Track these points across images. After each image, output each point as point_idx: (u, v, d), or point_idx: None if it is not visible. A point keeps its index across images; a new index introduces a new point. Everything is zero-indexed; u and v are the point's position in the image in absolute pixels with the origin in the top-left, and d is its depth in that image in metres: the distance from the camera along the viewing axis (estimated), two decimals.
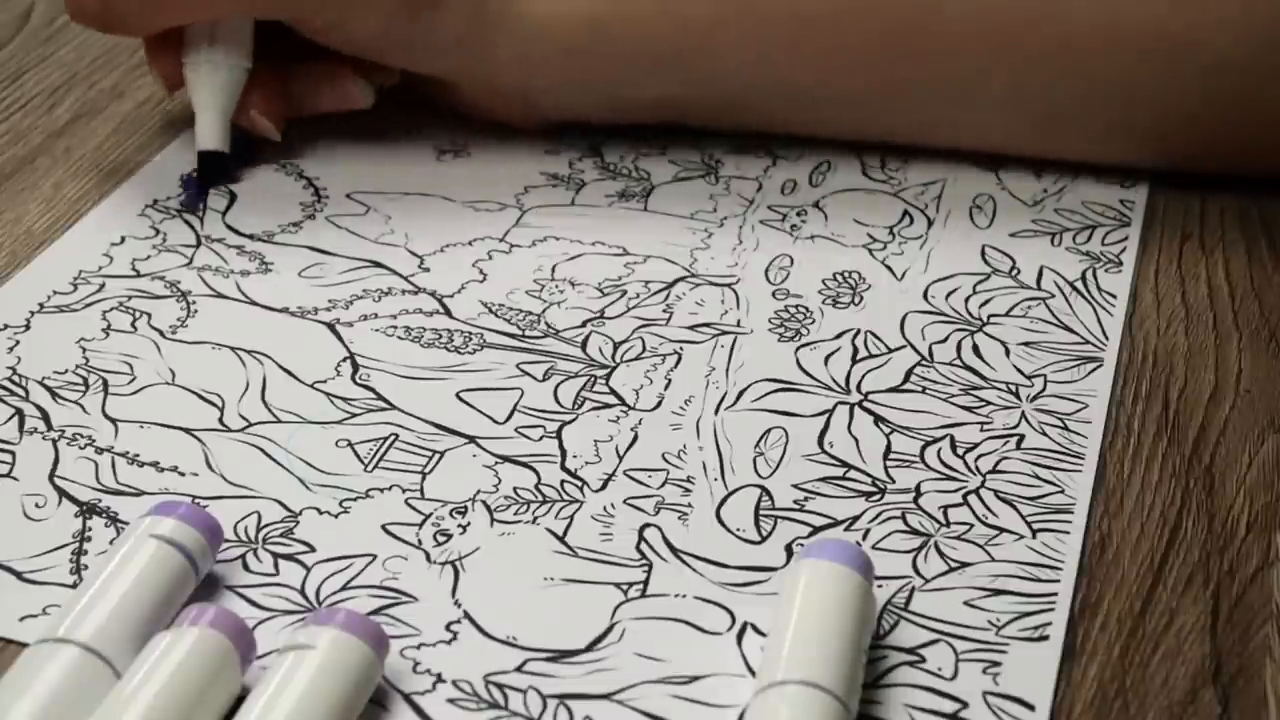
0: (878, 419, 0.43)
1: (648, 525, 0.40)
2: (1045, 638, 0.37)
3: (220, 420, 0.43)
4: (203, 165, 0.53)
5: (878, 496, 0.41)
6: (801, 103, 0.54)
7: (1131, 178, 0.54)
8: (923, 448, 0.42)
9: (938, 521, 0.40)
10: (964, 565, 0.39)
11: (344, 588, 0.38)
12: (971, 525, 0.40)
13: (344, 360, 0.46)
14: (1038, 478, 0.41)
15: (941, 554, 0.39)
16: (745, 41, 0.52)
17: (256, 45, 0.53)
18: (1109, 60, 0.51)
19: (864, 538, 0.39)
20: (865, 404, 0.44)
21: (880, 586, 0.38)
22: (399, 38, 0.52)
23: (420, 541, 0.39)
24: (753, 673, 0.36)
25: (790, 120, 0.55)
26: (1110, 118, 0.52)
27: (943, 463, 0.42)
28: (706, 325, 0.47)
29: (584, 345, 0.46)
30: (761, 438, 0.43)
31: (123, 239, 0.51)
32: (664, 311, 0.48)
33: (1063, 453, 0.42)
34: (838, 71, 0.52)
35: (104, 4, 0.50)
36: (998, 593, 0.38)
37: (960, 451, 0.42)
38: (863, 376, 0.45)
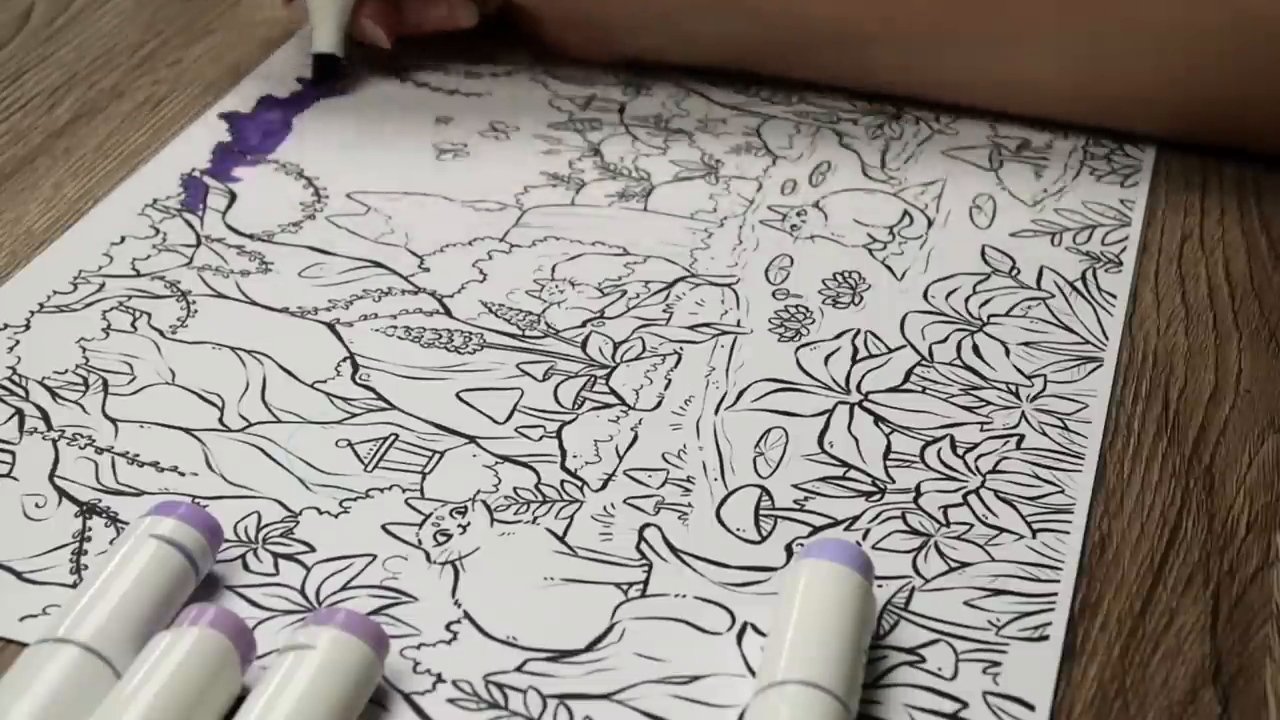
0: (878, 419, 0.43)
1: (648, 525, 0.40)
2: (1045, 638, 0.37)
3: (220, 420, 0.43)
4: (318, 67, 0.58)
5: (878, 496, 0.41)
6: (859, 47, 0.56)
7: (1133, 174, 0.54)
8: (923, 448, 0.42)
9: (938, 521, 0.40)
10: (964, 565, 0.39)
11: (344, 588, 0.38)
12: (971, 525, 0.40)
13: (344, 360, 0.46)
14: (1038, 478, 0.41)
15: (941, 554, 0.39)
16: None
17: None
18: (1151, 6, 0.52)
19: (864, 538, 0.39)
20: (865, 404, 0.44)
21: (880, 586, 0.38)
22: None
23: (420, 541, 0.39)
24: (753, 673, 0.36)
25: (848, 67, 0.57)
26: (1148, 69, 0.53)
27: (943, 463, 0.42)
28: (706, 325, 0.47)
29: (584, 345, 0.46)
30: (761, 438, 0.43)
31: (123, 239, 0.51)
32: (664, 311, 0.48)
33: (1063, 453, 0.42)
34: (901, 12, 0.54)
35: None
36: (998, 593, 0.38)
37: (960, 451, 0.42)
38: (863, 376, 0.45)
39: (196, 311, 0.48)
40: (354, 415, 0.43)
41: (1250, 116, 0.54)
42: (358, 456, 0.42)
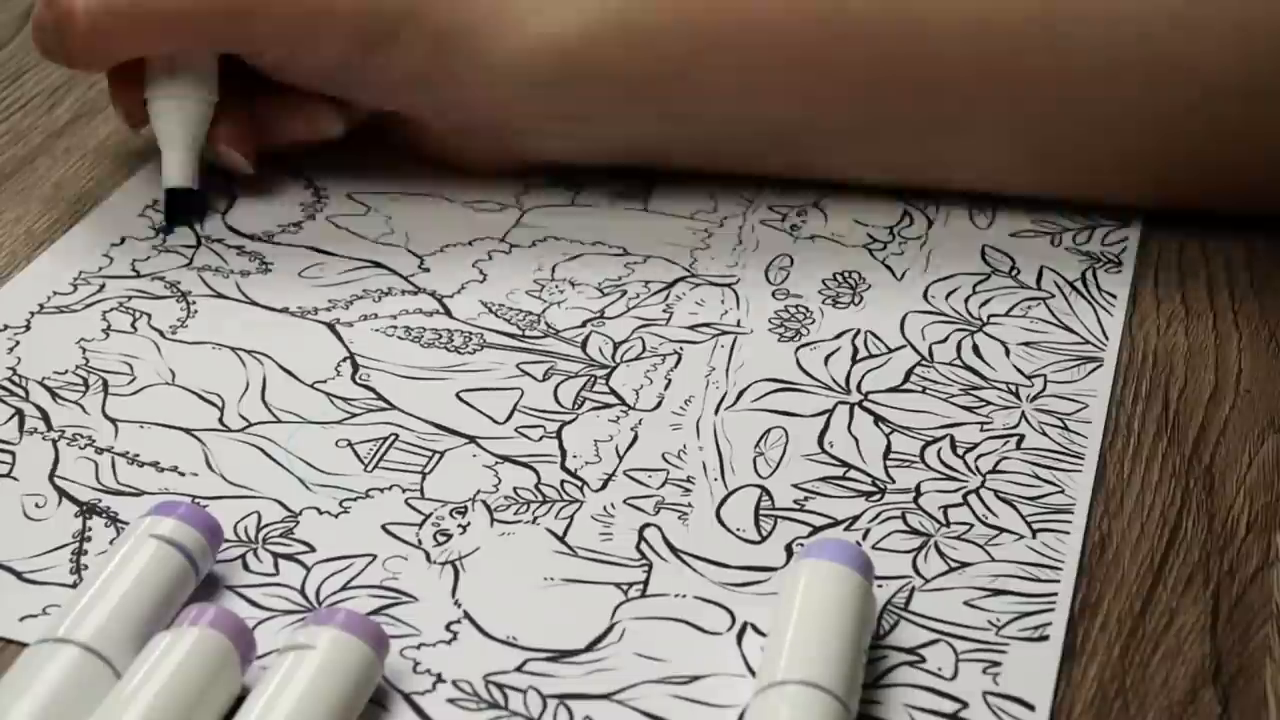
0: (878, 419, 0.43)
1: (648, 525, 0.40)
2: (1045, 638, 0.37)
3: (220, 420, 0.43)
4: (170, 204, 0.51)
5: (878, 496, 0.41)
6: (786, 140, 0.52)
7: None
8: (923, 448, 0.42)
9: (938, 521, 0.40)
10: (964, 565, 0.39)
11: (344, 588, 0.38)
12: (971, 525, 0.40)
13: (344, 360, 0.46)
14: (1038, 478, 0.41)
15: (941, 554, 0.39)
16: (724, 73, 0.49)
17: (221, 78, 0.51)
18: (1106, 87, 0.48)
19: (864, 538, 0.39)
20: (865, 404, 0.44)
21: (880, 586, 0.38)
22: (355, 74, 0.50)
23: (420, 541, 0.39)
24: (753, 673, 0.36)
25: (775, 160, 0.53)
26: (1110, 149, 0.50)
27: (943, 463, 0.42)
28: (706, 325, 0.47)
29: (584, 345, 0.46)
30: (761, 438, 0.43)
31: (123, 239, 0.51)
32: (664, 311, 0.48)
33: (1063, 453, 0.42)
34: (824, 104, 0.50)
35: (59, 38, 0.49)
36: (998, 593, 0.38)
37: (960, 451, 0.42)
38: (863, 376, 0.45)
39: (196, 312, 0.48)
40: (354, 415, 0.43)
41: (1230, 183, 0.50)
42: (358, 456, 0.42)
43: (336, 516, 0.40)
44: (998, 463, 0.42)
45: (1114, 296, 0.48)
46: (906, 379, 0.45)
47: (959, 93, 0.49)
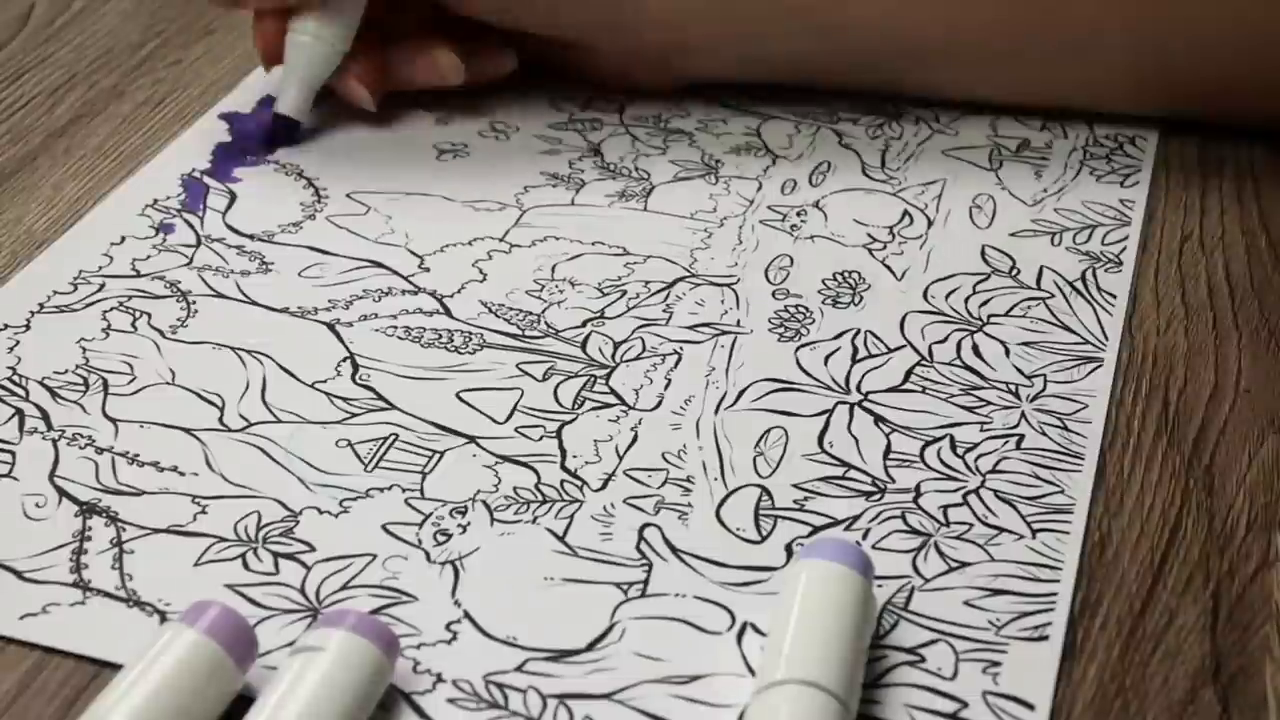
0: (878, 419, 0.43)
1: (648, 525, 0.40)
2: (1045, 638, 0.37)
3: (220, 420, 0.43)
4: (276, 127, 0.55)
5: (878, 496, 0.41)
6: (927, 59, 0.56)
7: (1133, 174, 0.54)
8: (923, 447, 0.42)
9: (938, 521, 0.40)
10: (964, 565, 0.39)
11: (344, 587, 0.38)
12: (971, 525, 0.40)
13: (344, 360, 0.46)
14: (1038, 478, 0.41)
15: (941, 554, 0.39)
16: None
17: (360, 29, 0.54)
18: (1220, 7, 0.52)
19: (864, 538, 0.39)
20: (865, 404, 0.44)
21: (880, 586, 0.38)
22: (562, 8, 0.54)
23: (420, 541, 0.39)
24: (753, 672, 0.36)
25: (916, 78, 0.57)
26: (1223, 73, 0.54)
27: (943, 462, 0.42)
28: (706, 325, 0.47)
29: (584, 345, 0.46)
30: (761, 438, 0.43)
31: (123, 239, 0.51)
32: (664, 311, 0.48)
33: (1063, 453, 0.42)
34: (963, 26, 0.54)
35: None
36: (998, 593, 0.38)
37: (960, 451, 0.42)
38: (863, 376, 0.45)
39: (196, 311, 0.48)
40: (354, 415, 0.43)
41: (1250, 91, 0.55)
42: (358, 456, 0.42)
43: (336, 516, 0.40)
44: (998, 463, 0.42)
45: (1114, 296, 0.48)
46: (906, 379, 0.45)
47: (1087, 15, 0.53)
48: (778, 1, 0.54)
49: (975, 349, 0.46)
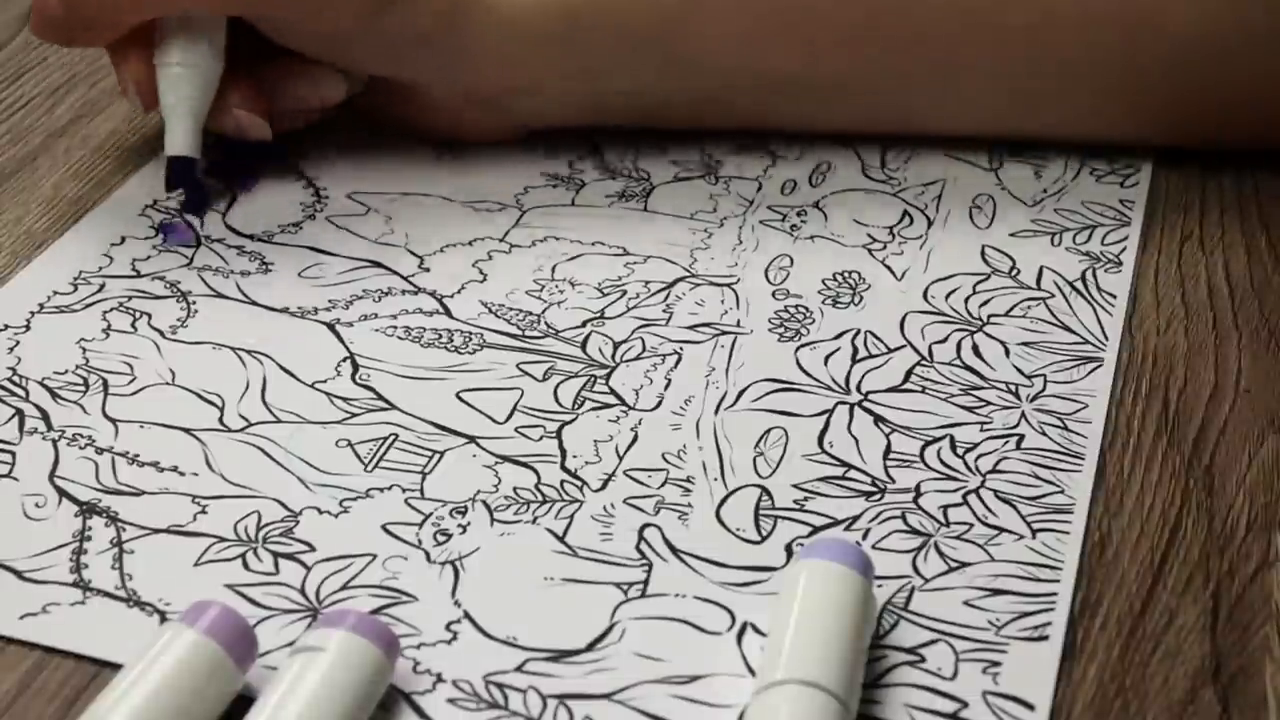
0: (878, 419, 0.43)
1: (648, 525, 0.40)
2: (1045, 638, 0.37)
3: (220, 420, 0.43)
4: (174, 170, 0.51)
5: (878, 496, 0.41)
6: (785, 91, 0.53)
7: (1133, 174, 0.54)
8: (923, 448, 0.42)
9: (938, 521, 0.40)
10: (964, 565, 0.39)
11: (344, 587, 0.38)
12: (971, 525, 0.40)
13: (344, 360, 0.46)
14: (1037, 478, 0.41)
15: (941, 554, 0.39)
16: (723, 25, 0.51)
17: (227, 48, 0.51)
18: (1081, 35, 0.51)
19: (864, 538, 0.39)
20: (865, 404, 0.44)
21: (880, 586, 0.38)
22: (364, 37, 0.50)
23: (420, 541, 0.39)
24: (753, 673, 0.36)
25: (773, 112, 0.54)
26: (1091, 90, 0.53)
27: (943, 463, 0.42)
28: (706, 325, 0.47)
29: (584, 345, 0.46)
30: (761, 438, 0.43)
31: (123, 239, 0.51)
32: (664, 311, 0.48)
33: (1063, 453, 0.42)
34: (821, 55, 0.52)
35: (67, 7, 0.48)
36: (998, 593, 0.38)
37: (960, 451, 0.42)
38: (863, 376, 0.45)
39: (196, 312, 0.48)
40: (354, 415, 0.43)
41: (1209, 135, 0.54)
42: (358, 456, 0.42)
43: (336, 516, 0.40)
44: (998, 463, 0.42)
45: (1114, 296, 0.48)
46: (906, 379, 0.45)
47: (945, 43, 0.52)
48: (617, 37, 0.51)
49: (975, 349, 0.46)
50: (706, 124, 0.55)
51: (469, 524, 0.40)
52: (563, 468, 0.42)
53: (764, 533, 0.40)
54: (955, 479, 0.41)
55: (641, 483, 0.41)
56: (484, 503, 0.40)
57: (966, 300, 0.48)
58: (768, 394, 0.44)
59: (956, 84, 0.53)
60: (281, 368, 0.45)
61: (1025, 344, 0.46)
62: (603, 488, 0.41)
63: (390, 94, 0.54)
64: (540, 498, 0.41)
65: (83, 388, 0.44)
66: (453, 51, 0.51)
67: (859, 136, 0.55)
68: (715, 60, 0.52)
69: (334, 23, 0.50)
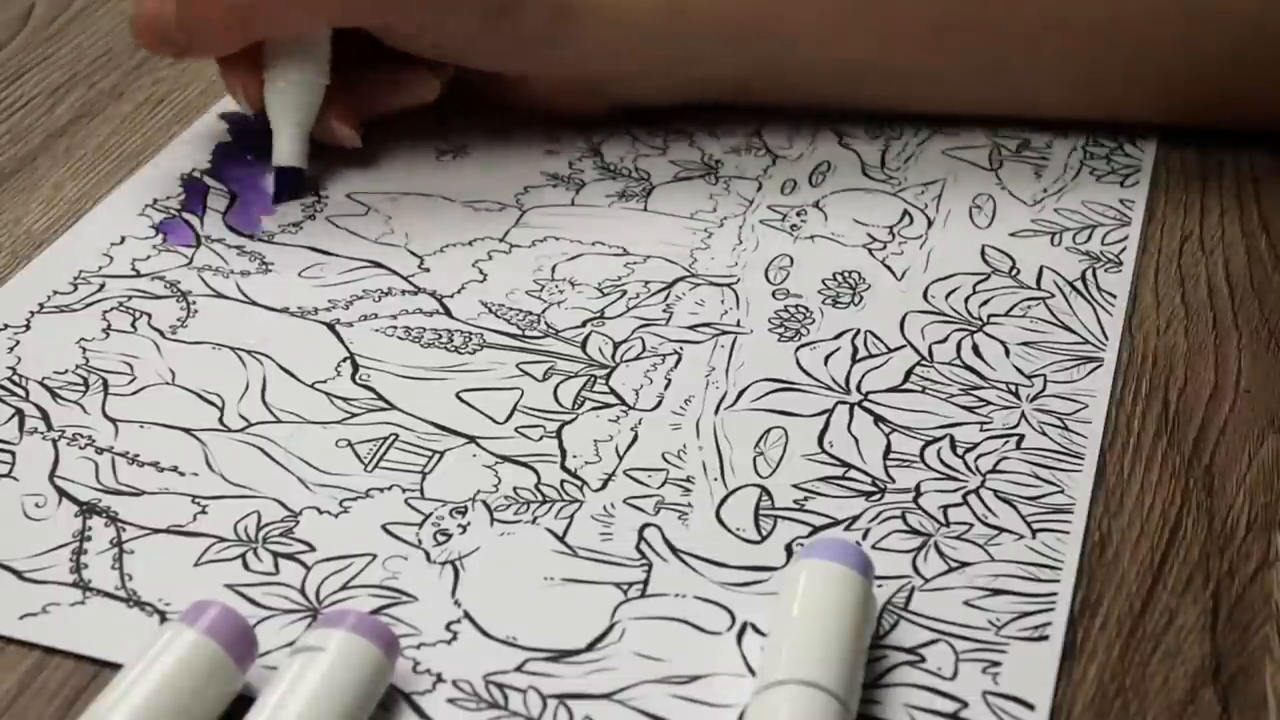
0: (878, 419, 0.43)
1: (648, 525, 0.40)
2: (1045, 638, 0.37)
3: (220, 420, 0.43)
4: (280, 181, 0.53)
5: (878, 496, 0.41)
6: (863, 78, 0.56)
7: (1133, 174, 0.54)
8: (923, 447, 0.42)
9: (938, 521, 0.40)
10: (964, 565, 0.39)
11: (344, 587, 0.38)
12: (971, 525, 0.40)
13: (344, 360, 0.46)
14: (1037, 478, 0.41)
15: (941, 554, 0.39)
16: (811, 18, 0.54)
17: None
18: (1149, 25, 0.53)
19: (864, 537, 0.39)
20: (865, 404, 0.44)
21: (880, 586, 0.38)
22: (486, 40, 0.52)
23: (420, 541, 0.39)
24: (753, 672, 0.36)
25: (851, 95, 0.57)
26: (1155, 82, 0.55)
27: (943, 462, 0.42)
28: (706, 325, 0.47)
29: (584, 345, 0.46)
30: (761, 437, 0.43)
31: (123, 239, 0.51)
32: (664, 311, 0.48)
33: (1063, 453, 0.42)
34: (898, 47, 0.54)
35: (183, 23, 0.49)
36: (998, 593, 0.38)
37: (960, 451, 0.42)
38: (863, 376, 0.45)
39: (196, 311, 0.48)
40: (354, 415, 0.43)
41: (1246, 98, 0.55)
42: (358, 456, 0.42)
43: (336, 516, 0.40)
44: (998, 463, 0.42)
45: (1114, 296, 0.48)
46: (906, 379, 0.45)
47: (1018, 35, 0.54)
48: (717, 27, 0.54)
49: (975, 349, 0.46)
50: (788, 104, 0.58)
51: (469, 524, 0.40)
52: (563, 468, 0.42)
53: (764, 533, 0.40)
54: (955, 479, 0.41)
55: (641, 483, 0.41)
56: (484, 503, 0.40)
57: (966, 300, 0.48)
58: (768, 394, 0.44)
59: (1025, 76, 0.55)
60: (281, 368, 0.45)
61: (1025, 344, 0.46)
62: (603, 488, 0.41)
63: (487, 80, 0.56)
64: (540, 498, 0.41)
65: (83, 387, 0.44)
66: (563, 48, 0.53)
67: (938, 118, 0.57)
68: (801, 51, 0.55)
69: (455, 32, 0.52)
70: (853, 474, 0.41)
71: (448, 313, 0.48)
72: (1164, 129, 0.56)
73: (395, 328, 0.47)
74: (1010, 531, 0.40)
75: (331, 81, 0.52)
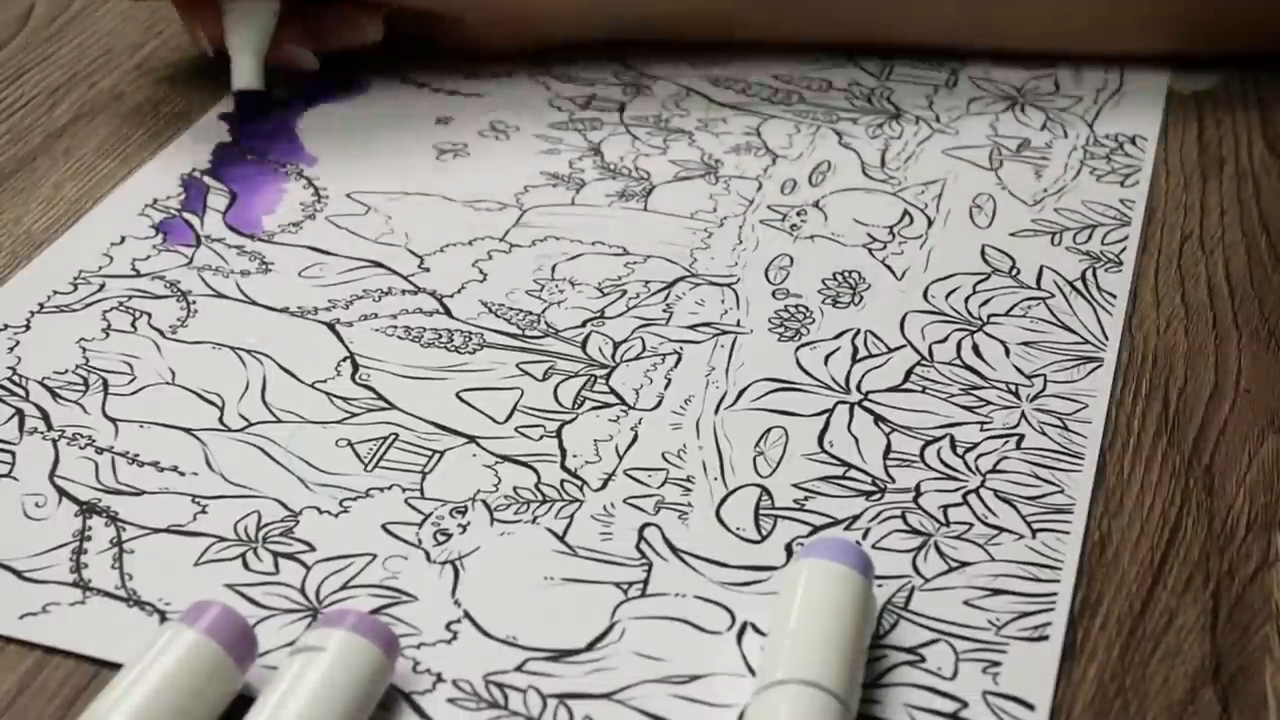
0: (878, 418, 0.43)
1: (648, 525, 0.40)
2: (1045, 638, 0.37)
3: (220, 420, 0.43)
4: (242, 105, 0.57)
5: (878, 496, 0.41)
6: (882, 4, 0.56)
7: (1133, 174, 0.54)
8: (923, 447, 0.42)
9: (938, 521, 0.40)
10: (964, 565, 0.39)
11: (344, 587, 0.38)
12: (971, 525, 0.40)
13: (344, 360, 0.46)
14: (1037, 478, 0.41)
15: (941, 554, 0.39)
16: None
17: None
18: None
19: (864, 537, 0.39)
20: (865, 403, 0.44)
21: (880, 586, 0.38)
22: None
23: (420, 541, 0.39)
24: (753, 672, 0.36)
25: (785, 27, 0.57)
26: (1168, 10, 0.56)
27: (943, 462, 0.42)
28: (706, 325, 0.47)
29: (584, 345, 0.46)
30: (761, 437, 0.43)
31: (123, 239, 0.51)
32: (664, 311, 0.48)
33: (1063, 453, 0.42)
34: None
35: None
36: (998, 592, 0.38)
37: (960, 451, 0.42)
38: (863, 376, 0.45)
39: (196, 311, 0.48)
40: (354, 415, 0.43)
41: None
42: (358, 456, 0.42)
43: (336, 516, 0.40)
44: (998, 462, 0.42)
45: (1114, 296, 0.48)
46: (906, 379, 0.45)
47: None
48: None
49: (975, 349, 0.46)
50: (715, 38, 0.59)
51: (469, 524, 0.40)
52: (563, 467, 0.42)
53: (764, 532, 0.40)
54: (955, 479, 0.41)
55: (641, 482, 0.41)
56: (484, 502, 0.40)
57: (966, 300, 0.48)
58: (768, 394, 0.44)
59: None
60: (281, 368, 0.45)
61: (1025, 344, 0.46)
62: (603, 487, 0.41)
63: (422, 22, 0.59)
64: (540, 497, 0.41)
65: (83, 387, 0.44)
66: None
67: (874, 49, 0.57)
68: None
69: None
70: (853, 474, 0.41)
71: (448, 312, 0.48)
72: (1180, 58, 0.57)
73: (395, 327, 0.47)
74: (1010, 531, 0.40)
75: (284, 11, 0.56)
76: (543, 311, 0.48)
